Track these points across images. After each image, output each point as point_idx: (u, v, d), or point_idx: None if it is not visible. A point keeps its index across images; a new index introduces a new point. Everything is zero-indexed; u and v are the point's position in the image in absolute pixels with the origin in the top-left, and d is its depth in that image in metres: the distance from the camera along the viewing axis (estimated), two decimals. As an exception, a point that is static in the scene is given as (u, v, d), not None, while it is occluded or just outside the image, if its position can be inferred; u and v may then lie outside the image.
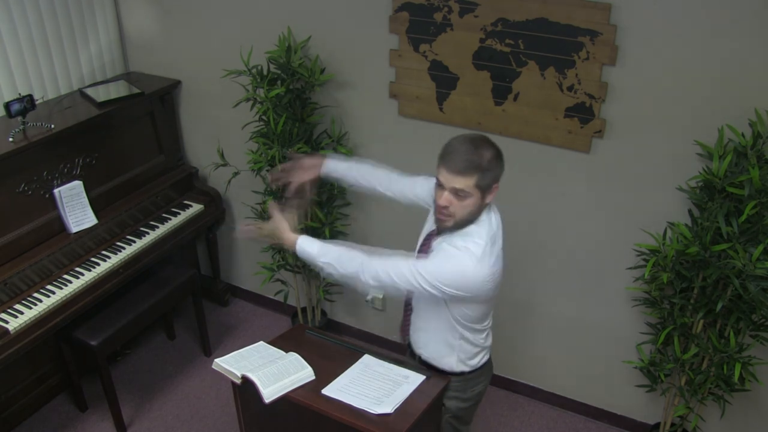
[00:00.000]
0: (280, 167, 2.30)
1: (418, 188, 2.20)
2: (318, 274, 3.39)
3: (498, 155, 1.88)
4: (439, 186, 1.89)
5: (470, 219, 1.92)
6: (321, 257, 2.01)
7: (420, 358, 2.23)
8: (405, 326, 2.30)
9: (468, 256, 1.88)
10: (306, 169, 2.30)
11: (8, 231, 2.77)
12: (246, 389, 2.08)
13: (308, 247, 2.04)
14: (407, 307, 2.25)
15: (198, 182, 3.60)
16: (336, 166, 2.31)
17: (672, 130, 2.45)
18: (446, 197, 1.87)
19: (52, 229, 2.93)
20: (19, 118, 2.82)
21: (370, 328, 3.62)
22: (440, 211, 1.91)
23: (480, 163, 1.82)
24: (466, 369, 2.17)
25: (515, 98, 2.66)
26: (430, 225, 2.10)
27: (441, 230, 2.00)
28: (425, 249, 2.07)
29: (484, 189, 1.86)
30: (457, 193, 1.85)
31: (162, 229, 3.25)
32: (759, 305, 2.29)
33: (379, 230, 3.27)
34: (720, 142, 2.32)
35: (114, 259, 3.00)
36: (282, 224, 2.09)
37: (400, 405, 1.95)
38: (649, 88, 2.42)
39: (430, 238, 2.07)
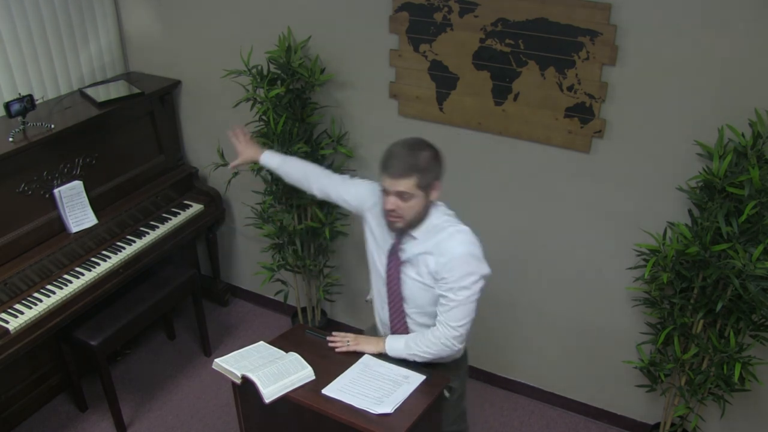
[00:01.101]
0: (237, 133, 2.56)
1: (346, 194, 2.30)
2: (318, 274, 3.40)
3: (435, 155, 1.99)
4: (385, 192, 1.98)
5: (419, 218, 2.02)
6: (408, 350, 2.12)
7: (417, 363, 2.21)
8: None
9: (463, 237, 2.01)
10: (248, 150, 2.52)
11: (8, 231, 2.77)
12: (246, 389, 2.08)
13: (396, 347, 2.14)
14: (397, 326, 2.24)
15: (198, 182, 3.60)
16: (271, 159, 2.48)
17: (672, 130, 2.45)
18: (392, 201, 1.96)
19: (52, 229, 2.93)
20: (19, 118, 2.82)
21: (370, 328, 3.62)
22: (389, 215, 2.00)
23: (418, 164, 1.92)
24: (462, 352, 2.25)
25: (515, 98, 2.66)
26: (385, 239, 2.12)
27: (399, 235, 2.07)
28: (395, 263, 2.11)
29: (425, 188, 1.96)
30: (401, 195, 1.94)
31: (162, 229, 3.25)
32: (759, 305, 2.29)
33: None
34: (720, 142, 2.32)
35: (114, 259, 3.00)
36: (365, 338, 2.22)
37: (400, 405, 1.95)
38: (650, 88, 2.42)
39: (395, 250, 2.10)
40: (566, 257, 2.87)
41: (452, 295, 2.00)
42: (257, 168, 3.02)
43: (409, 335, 2.14)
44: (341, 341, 2.20)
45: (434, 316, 2.10)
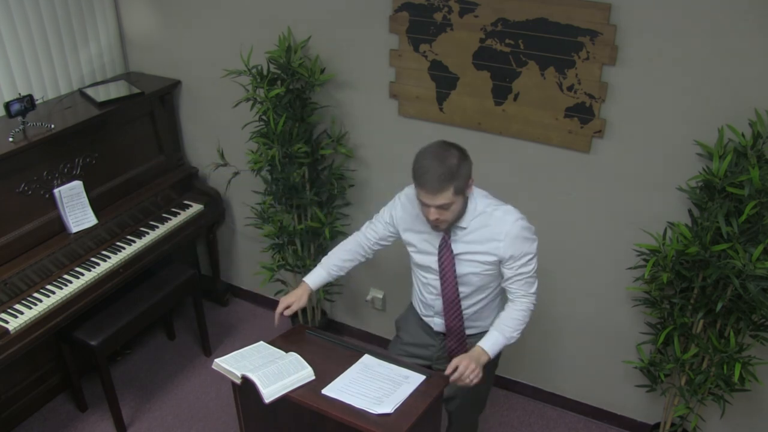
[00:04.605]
0: (278, 315, 2.35)
1: (381, 234, 2.36)
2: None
3: (462, 156, 2.02)
4: (424, 204, 2.05)
5: (461, 214, 2.11)
6: (509, 340, 2.17)
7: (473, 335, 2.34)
8: (461, 341, 2.37)
9: (512, 216, 2.12)
10: (299, 299, 2.35)
11: (8, 231, 2.77)
12: (246, 389, 2.08)
13: (495, 343, 2.15)
14: (458, 320, 2.31)
15: (198, 182, 3.60)
16: (318, 281, 2.41)
17: (672, 130, 2.45)
18: (434, 212, 2.03)
19: (52, 229, 2.93)
20: (19, 118, 2.82)
21: (370, 328, 3.62)
22: (433, 222, 2.08)
23: (451, 174, 1.97)
24: None
25: (515, 98, 2.66)
26: (431, 242, 2.20)
27: (447, 230, 2.15)
28: (448, 256, 2.18)
29: (462, 191, 2.03)
30: (442, 206, 2.01)
31: (162, 229, 3.25)
32: (759, 305, 2.29)
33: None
34: (720, 142, 2.32)
35: (114, 259, 3.00)
36: (472, 357, 2.11)
37: (400, 405, 1.95)
38: (649, 88, 2.42)
39: (447, 244, 2.17)
40: (566, 257, 2.87)
41: (525, 269, 2.12)
42: (257, 168, 3.02)
43: (496, 326, 2.17)
44: (465, 376, 2.06)
45: (485, 290, 2.24)
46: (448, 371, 2.07)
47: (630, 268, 2.69)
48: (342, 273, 2.42)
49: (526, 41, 2.52)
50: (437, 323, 2.37)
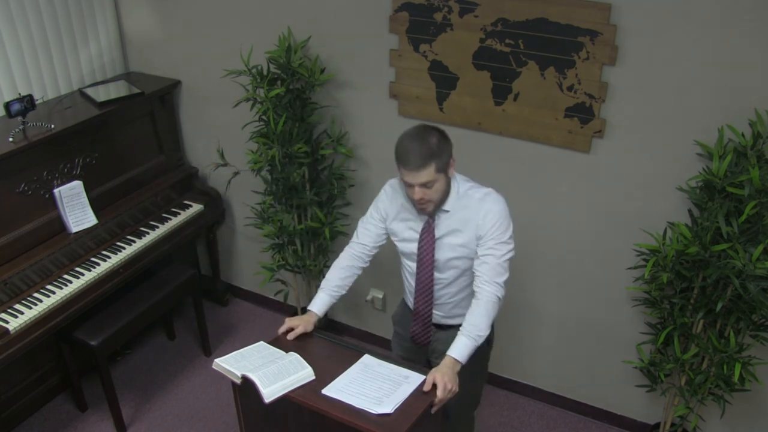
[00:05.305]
0: (281, 333, 2.27)
1: (374, 234, 2.32)
2: (318, 274, 3.40)
3: (442, 135, 2.08)
4: (408, 185, 2.08)
5: (445, 195, 2.14)
6: (478, 340, 2.08)
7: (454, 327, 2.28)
8: (427, 327, 2.37)
9: (493, 197, 2.15)
10: (306, 323, 2.27)
11: (8, 231, 2.77)
12: (246, 389, 2.08)
13: (465, 348, 2.07)
14: (427, 305, 2.32)
15: (198, 182, 3.60)
16: (323, 306, 2.32)
17: (672, 130, 2.45)
18: (418, 191, 2.06)
19: (52, 229, 2.93)
20: (19, 118, 2.82)
21: (370, 328, 3.62)
22: (419, 203, 2.11)
23: (432, 151, 2.02)
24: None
25: (515, 98, 2.66)
26: (415, 229, 2.21)
27: (432, 214, 2.18)
28: (429, 239, 2.19)
29: (444, 169, 2.07)
30: (425, 184, 2.04)
31: (162, 229, 3.25)
32: (759, 305, 2.29)
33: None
34: (720, 142, 2.33)
35: (114, 259, 3.00)
36: (444, 373, 2.02)
37: (400, 405, 1.95)
38: (649, 88, 2.42)
39: (430, 228, 2.19)
40: (566, 257, 2.87)
41: (495, 251, 2.11)
42: (257, 168, 3.02)
43: (462, 330, 2.08)
44: (443, 399, 2.01)
45: (469, 276, 2.21)
46: (426, 388, 2.01)
47: (630, 268, 2.69)
48: (344, 291, 2.36)
49: (526, 41, 2.52)
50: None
